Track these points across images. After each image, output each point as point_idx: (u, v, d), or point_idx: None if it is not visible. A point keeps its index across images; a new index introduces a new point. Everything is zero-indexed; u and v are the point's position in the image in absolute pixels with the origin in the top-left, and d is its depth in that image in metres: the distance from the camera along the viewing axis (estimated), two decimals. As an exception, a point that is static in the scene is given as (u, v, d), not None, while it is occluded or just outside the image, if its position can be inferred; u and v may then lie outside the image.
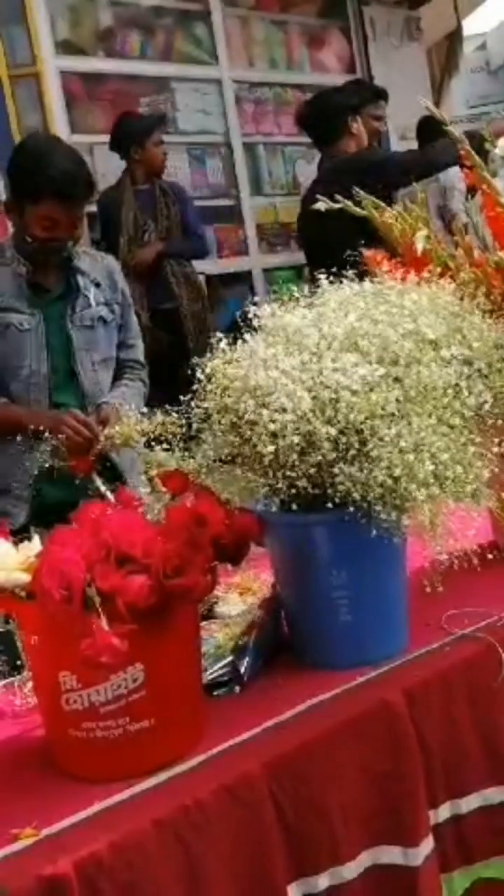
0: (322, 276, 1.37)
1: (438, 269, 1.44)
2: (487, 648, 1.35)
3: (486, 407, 1.28)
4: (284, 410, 1.21)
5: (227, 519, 1.21)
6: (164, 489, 1.27)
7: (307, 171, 4.53)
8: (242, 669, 1.33)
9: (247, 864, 1.13)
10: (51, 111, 3.88)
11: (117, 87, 4.31)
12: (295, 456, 1.21)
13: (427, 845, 1.23)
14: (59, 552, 1.09)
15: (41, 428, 1.87)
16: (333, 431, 1.19)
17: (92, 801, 1.11)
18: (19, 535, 1.23)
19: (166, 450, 1.43)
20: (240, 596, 1.56)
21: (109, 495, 1.52)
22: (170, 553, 1.09)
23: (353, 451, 1.21)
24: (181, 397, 1.34)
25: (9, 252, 2.07)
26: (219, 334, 1.36)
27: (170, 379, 2.02)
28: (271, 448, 1.22)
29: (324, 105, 3.47)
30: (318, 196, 1.57)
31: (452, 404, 1.24)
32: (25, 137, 2.70)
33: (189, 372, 1.31)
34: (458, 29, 6.27)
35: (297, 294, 1.36)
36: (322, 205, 1.55)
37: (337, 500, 1.21)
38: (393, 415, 1.21)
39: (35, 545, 1.17)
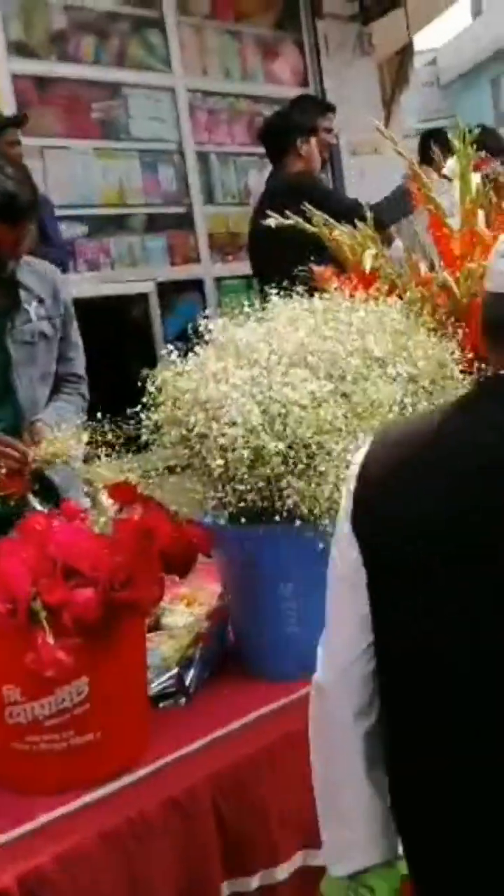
0: (272, 291, 1.39)
1: (386, 287, 1.47)
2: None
3: (431, 423, 1.31)
4: (234, 424, 1.23)
5: (175, 531, 1.22)
6: (109, 502, 1.27)
7: (259, 182, 4.55)
8: (188, 681, 1.33)
9: (186, 871, 1.14)
10: (2, 113, 3.83)
11: (70, 91, 4.27)
12: (244, 469, 1.23)
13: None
14: (4, 565, 1.09)
15: None
16: (282, 446, 1.21)
17: (36, 814, 1.11)
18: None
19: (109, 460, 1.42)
20: (187, 606, 1.57)
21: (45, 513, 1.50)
22: (117, 566, 1.09)
23: (301, 466, 1.22)
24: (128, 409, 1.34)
25: None
26: (169, 346, 1.37)
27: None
28: (221, 461, 1.23)
29: (276, 123, 3.53)
30: (269, 212, 1.59)
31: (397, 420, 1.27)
32: None
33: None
34: (410, 44, 6.36)
35: (247, 308, 1.38)
36: (273, 221, 1.57)
37: (285, 513, 1.23)
38: (340, 430, 1.23)
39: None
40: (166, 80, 4.70)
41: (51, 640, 1.03)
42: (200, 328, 1.37)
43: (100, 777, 1.16)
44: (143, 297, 4.32)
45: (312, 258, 1.56)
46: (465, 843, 0.90)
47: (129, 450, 1.42)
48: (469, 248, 1.50)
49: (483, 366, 1.37)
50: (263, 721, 1.26)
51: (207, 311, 4.47)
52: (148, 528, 1.16)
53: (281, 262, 1.61)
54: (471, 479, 0.86)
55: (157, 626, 1.49)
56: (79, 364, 2.29)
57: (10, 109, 4.00)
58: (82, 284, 4.24)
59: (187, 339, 1.38)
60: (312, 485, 1.21)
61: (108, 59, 4.48)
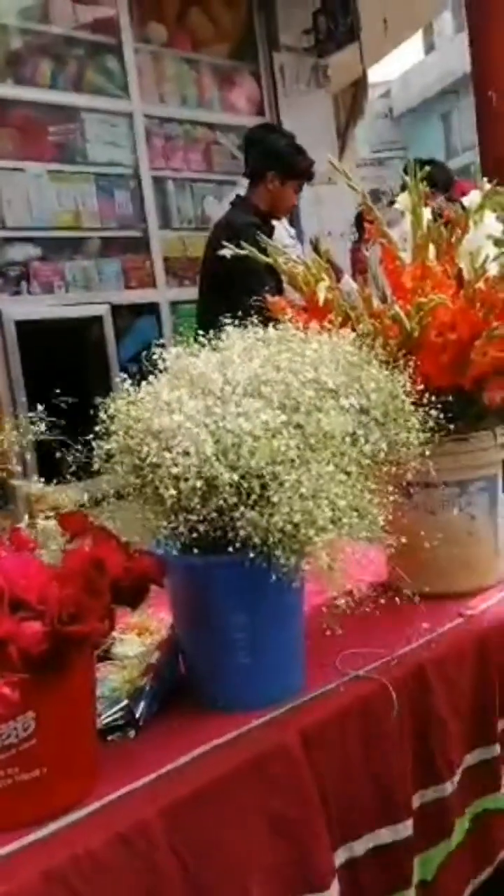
0: (227, 320, 1.39)
1: (339, 319, 1.49)
2: (380, 688, 1.38)
3: (382, 455, 1.32)
4: (187, 454, 1.22)
5: (126, 562, 1.20)
6: (59, 530, 1.25)
7: (216, 208, 4.59)
8: (138, 713, 1.31)
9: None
10: (-44, 134, 3.81)
11: (26, 114, 4.28)
12: (197, 499, 1.22)
13: (334, 890, 1.24)
14: (-50, 596, 1.06)
15: None
16: (235, 476, 1.21)
17: (-22, 855, 1.08)
18: None
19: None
20: (137, 636, 1.55)
21: None
22: (66, 599, 1.08)
23: (254, 496, 1.22)
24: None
25: None
26: (122, 373, 1.36)
27: None
28: (173, 491, 1.22)
29: (265, 140, 3.49)
30: (224, 243, 1.60)
31: (350, 452, 1.28)
32: None
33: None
34: (364, 77, 6.51)
35: (201, 337, 1.38)
36: (228, 252, 1.58)
37: (237, 544, 1.23)
38: (293, 461, 1.24)
39: None
40: (123, 105, 4.74)
41: (-3, 674, 1.00)
42: (154, 356, 1.37)
43: (46, 814, 1.13)
44: (97, 320, 4.32)
45: (267, 287, 1.57)
46: None
47: (80, 477, 1.40)
48: (420, 281, 1.53)
49: (434, 398, 1.39)
50: (214, 754, 1.25)
51: (164, 336, 4.48)
52: (98, 559, 1.14)
53: (234, 290, 1.62)
54: None
55: (107, 656, 1.47)
56: None
57: (-35, 131, 3.97)
58: (36, 306, 4.21)
59: (142, 362, 1.37)
60: (265, 515, 1.21)
61: (65, 84, 4.50)
